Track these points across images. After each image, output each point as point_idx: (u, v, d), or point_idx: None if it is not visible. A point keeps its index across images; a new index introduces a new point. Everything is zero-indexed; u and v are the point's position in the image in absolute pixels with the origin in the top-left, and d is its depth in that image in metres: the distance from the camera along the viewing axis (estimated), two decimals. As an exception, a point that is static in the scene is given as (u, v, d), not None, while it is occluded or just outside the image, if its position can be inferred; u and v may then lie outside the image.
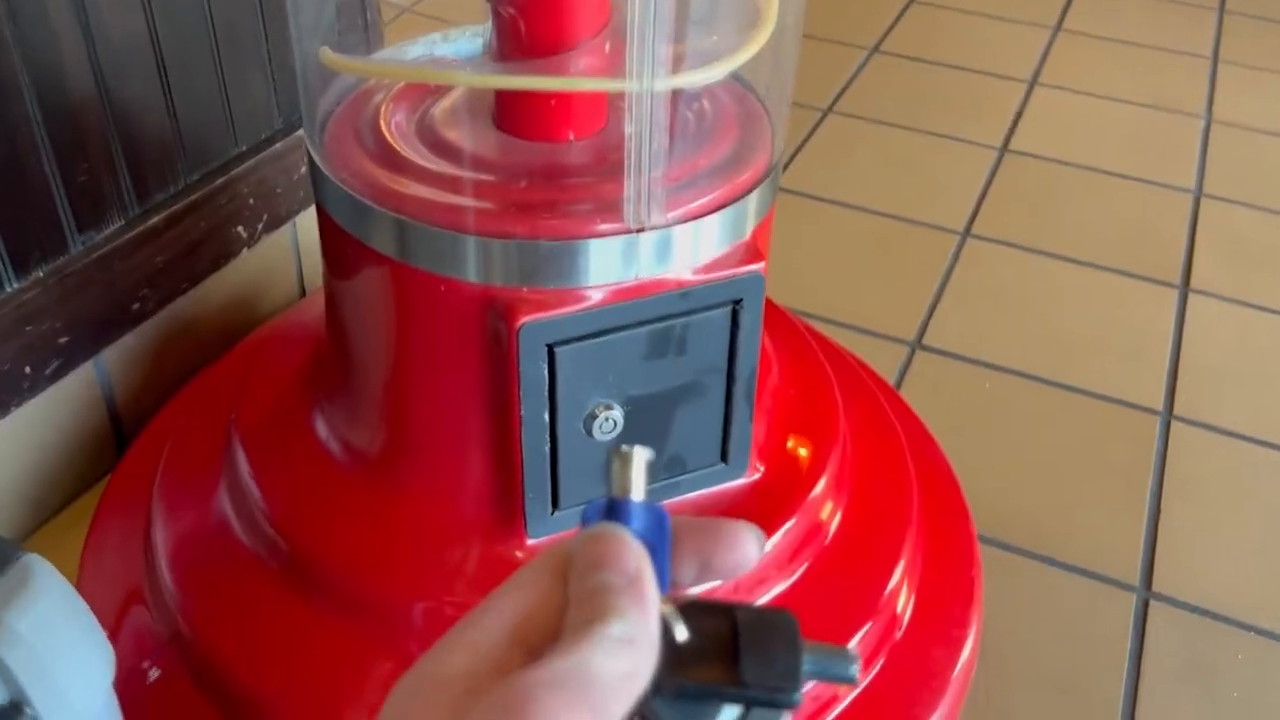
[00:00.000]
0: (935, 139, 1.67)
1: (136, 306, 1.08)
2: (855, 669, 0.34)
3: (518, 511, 0.79)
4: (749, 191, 0.77)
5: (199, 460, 0.97)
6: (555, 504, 0.80)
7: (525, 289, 0.73)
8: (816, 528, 0.89)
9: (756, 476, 0.87)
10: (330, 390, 0.90)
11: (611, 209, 0.72)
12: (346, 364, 0.87)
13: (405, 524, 0.83)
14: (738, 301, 0.77)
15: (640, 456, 0.35)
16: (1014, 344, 1.29)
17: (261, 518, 0.86)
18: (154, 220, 1.07)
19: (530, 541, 0.81)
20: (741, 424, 0.83)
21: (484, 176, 0.76)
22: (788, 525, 0.87)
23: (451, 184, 0.75)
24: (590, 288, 0.73)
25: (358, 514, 0.84)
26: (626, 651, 0.30)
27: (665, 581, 0.34)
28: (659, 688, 0.31)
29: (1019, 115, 1.75)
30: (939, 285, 1.38)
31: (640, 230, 0.72)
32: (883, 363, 1.24)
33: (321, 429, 0.89)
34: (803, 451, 0.91)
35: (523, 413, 0.74)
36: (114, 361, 1.08)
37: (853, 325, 1.31)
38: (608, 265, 0.72)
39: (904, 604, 0.92)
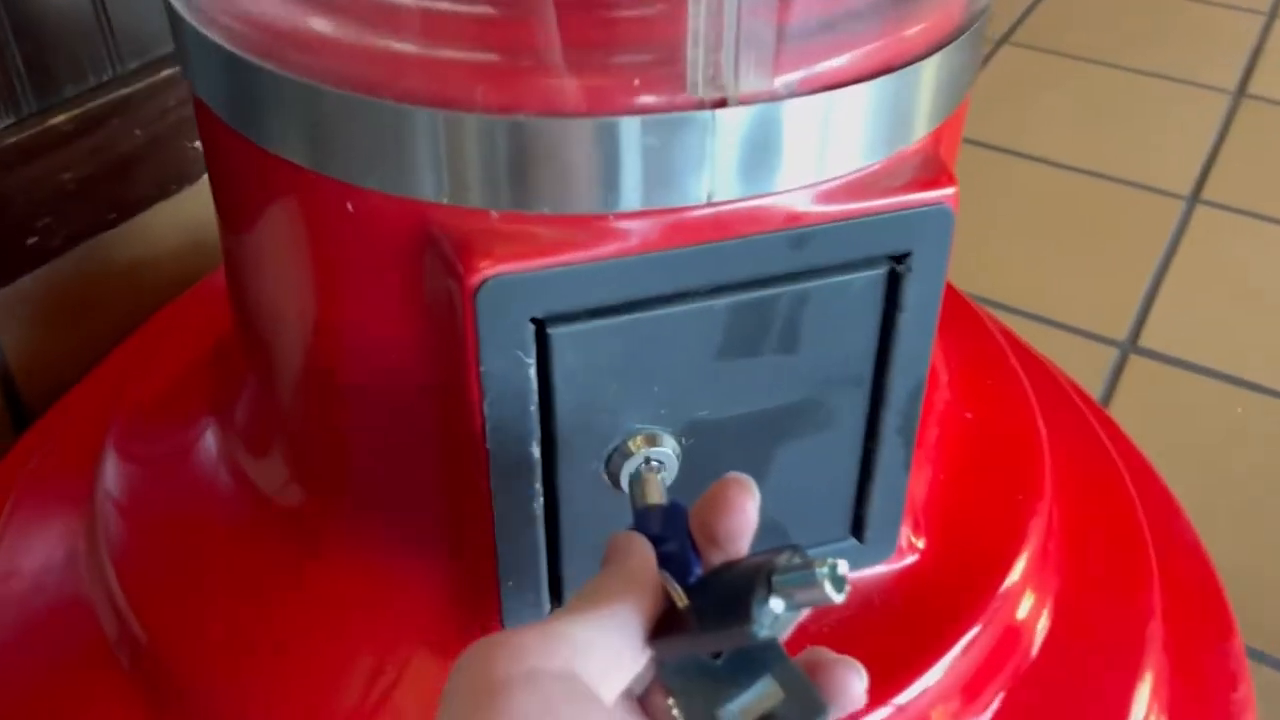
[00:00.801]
0: (1149, 79, 1.38)
1: (34, 240, 0.78)
2: (825, 583, 0.29)
3: (492, 607, 0.46)
4: (928, 55, 0.42)
5: (75, 468, 0.66)
6: (556, 596, 0.46)
7: (496, 212, 0.39)
8: (1012, 637, 0.56)
9: (912, 560, 0.52)
10: (230, 389, 0.57)
11: (666, 66, 0.38)
12: (242, 347, 0.54)
13: (315, 617, 0.50)
14: (902, 258, 0.42)
15: (658, 476, 0.39)
16: (1263, 348, 0.96)
17: (113, 580, 0.54)
18: (57, 120, 0.77)
19: (514, 658, 0.47)
20: (892, 476, 0.48)
21: (446, 6, 0.43)
22: (968, 637, 0.52)
23: (385, 19, 0.42)
24: (619, 216, 0.39)
25: (247, 595, 0.51)
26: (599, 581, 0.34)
27: (693, 567, 0.34)
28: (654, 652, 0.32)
29: (1258, 51, 1.45)
30: (1159, 266, 1.08)
31: (720, 104, 0.37)
32: (1084, 369, 0.90)
33: (211, 445, 0.56)
34: (990, 518, 0.56)
35: (490, 444, 0.41)
36: (4, 312, 0.78)
37: (1041, 316, 1.01)
38: (654, 172, 0.38)
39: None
